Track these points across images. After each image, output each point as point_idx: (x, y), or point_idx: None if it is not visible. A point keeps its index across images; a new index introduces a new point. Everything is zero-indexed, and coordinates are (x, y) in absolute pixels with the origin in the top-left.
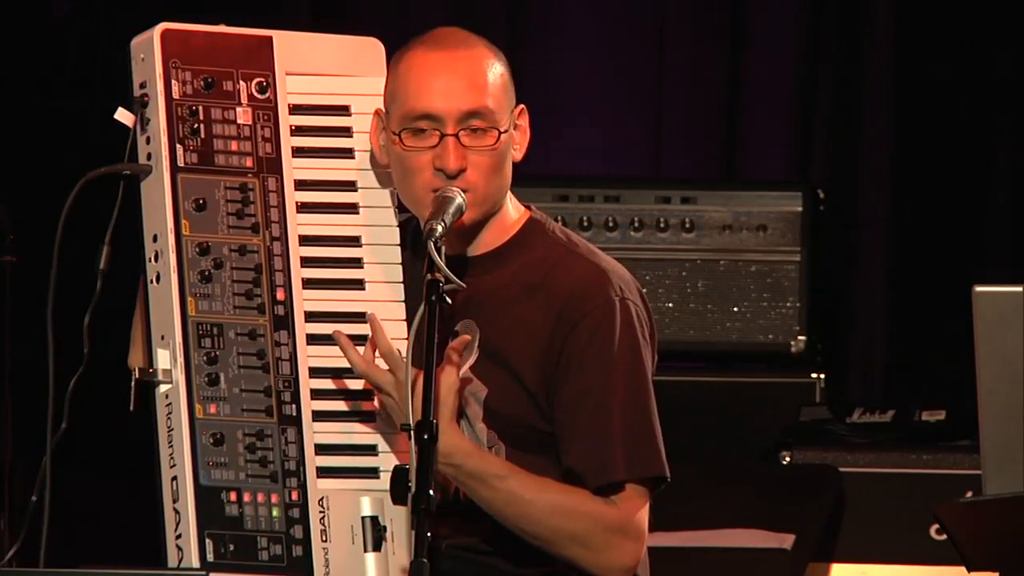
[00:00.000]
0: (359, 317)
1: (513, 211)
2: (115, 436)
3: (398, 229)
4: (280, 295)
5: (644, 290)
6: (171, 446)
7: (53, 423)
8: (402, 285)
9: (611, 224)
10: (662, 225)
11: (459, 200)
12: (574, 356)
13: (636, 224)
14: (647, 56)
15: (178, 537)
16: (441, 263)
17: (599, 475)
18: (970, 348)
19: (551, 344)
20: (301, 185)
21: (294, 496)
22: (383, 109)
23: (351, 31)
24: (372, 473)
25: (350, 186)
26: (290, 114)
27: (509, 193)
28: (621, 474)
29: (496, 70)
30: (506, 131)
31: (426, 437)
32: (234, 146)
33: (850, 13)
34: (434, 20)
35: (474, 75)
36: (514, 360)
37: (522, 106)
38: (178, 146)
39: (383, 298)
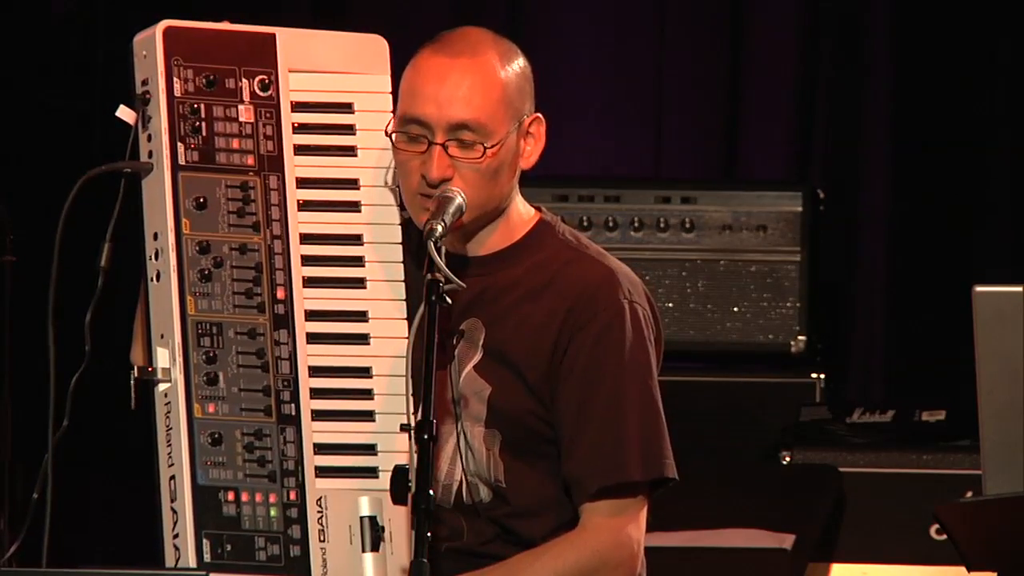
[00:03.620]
0: (360, 316)
1: (523, 213)
2: (114, 434)
3: (400, 227)
4: (280, 294)
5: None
6: (169, 445)
7: (54, 421)
8: (403, 284)
9: (611, 224)
10: (662, 225)
11: (459, 200)
12: (579, 358)
13: (636, 224)
14: (647, 56)
15: (175, 537)
16: (441, 263)
17: (609, 475)
18: (970, 348)
19: (557, 343)
20: (303, 183)
21: (292, 496)
22: None
23: (352, 29)
24: (371, 473)
25: (352, 184)
26: (292, 111)
27: (519, 195)
28: (636, 474)
29: (499, 80)
30: (494, 145)
31: (426, 437)
32: (235, 144)
33: (849, 13)
34: (435, 18)
35: (471, 86)
36: (519, 358)
37: (538, 115)
38: (179, 144)
39: (384, 297)
